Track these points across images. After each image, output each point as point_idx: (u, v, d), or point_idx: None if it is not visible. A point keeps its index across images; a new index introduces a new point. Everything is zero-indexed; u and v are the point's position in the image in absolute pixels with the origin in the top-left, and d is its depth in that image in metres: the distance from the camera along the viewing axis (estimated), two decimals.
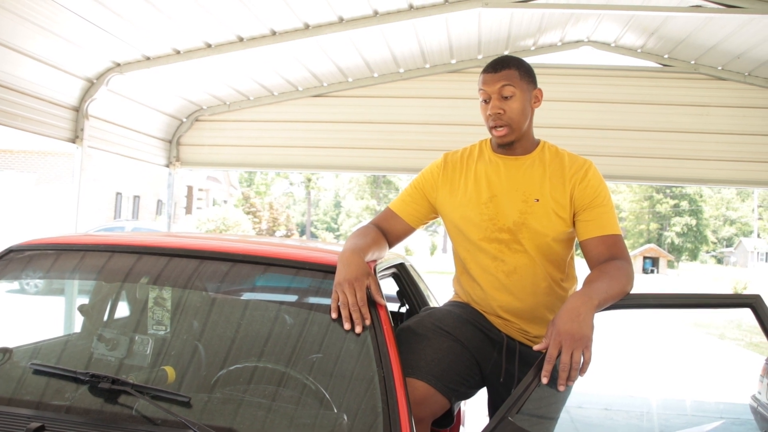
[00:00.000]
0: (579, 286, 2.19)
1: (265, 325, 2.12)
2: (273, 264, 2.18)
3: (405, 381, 1.94)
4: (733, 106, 6.57)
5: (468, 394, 2.26)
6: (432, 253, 53.69)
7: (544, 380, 1.76)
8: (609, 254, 2.14)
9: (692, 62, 6.58)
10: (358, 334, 1.91)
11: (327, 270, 2.08)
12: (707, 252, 67.81)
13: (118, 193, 26.42)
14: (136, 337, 2.10)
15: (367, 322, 1.91)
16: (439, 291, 3.66)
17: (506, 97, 2.23)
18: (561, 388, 1.76)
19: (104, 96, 5.49)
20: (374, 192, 59.34)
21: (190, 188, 34.89)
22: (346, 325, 1.89)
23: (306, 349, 2.02)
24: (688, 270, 55.24)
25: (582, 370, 1.78)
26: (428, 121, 6.75)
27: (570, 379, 1.76)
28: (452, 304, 2.43)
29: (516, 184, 2.27)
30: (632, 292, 2.04)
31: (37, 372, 1.92)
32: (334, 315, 1.92)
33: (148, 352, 2.05)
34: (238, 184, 46.43)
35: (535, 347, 1.85)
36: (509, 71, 2.25)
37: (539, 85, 2.35)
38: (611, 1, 5.70)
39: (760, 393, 5.23)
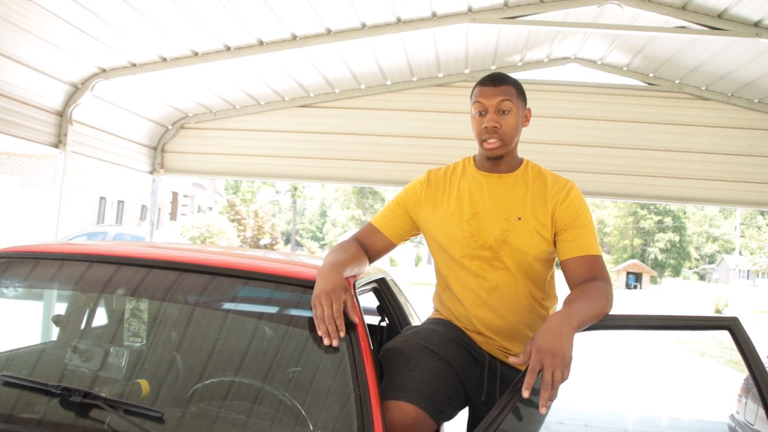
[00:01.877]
0: (559, 305, 2.19)
1: (242, 340, 2.10)
2: (252, 278, 2.16)
3: (389, 401, 1.94)
4: (716, 126, 6.63)
5: (453, 414, 2.25)
6: (417, 264, 53.74)
7: (525, 393, 1.75)
8: (589, 275, 2.14)
9: (677, 81, 6.64)
10: (335, 348, 1.89)
11: (306, 285, 2.07)
12: (690, 268, 68.30)
13: (102, 198, 26.25)
14: (111, 349, 2.07)
15: (342, 334, 1.90)
16: (424, 302, 3.66)
17: (503, 112, 2.24)
18: (543, 410, 1.75)
19: (89, 101, 5.45)
20: (360, 202, 59.35)
21: (175, 194, 34.73)
22: (326, 340, 1.88)
23: (282, 365, 2.01)
24: (671, 286, 55.56)
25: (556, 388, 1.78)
26: (414, 134, 6.75)
27: (551, 398, 1.75)
28: (435, 322, 2.41)
29: (499, 202, 2.28)
30: (612, 312, 2.04)
31: (8, 384, 1.89)
32: (319, 332, 1.90)
33: (123, 364, 2.03)
34: (223, 191, 46.28)
35: (511, 359, 1.85)
36: (508, 87, 2.27)
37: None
38: (597, 19, 5.75)
39: (738, 412, 5.26)
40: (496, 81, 2.27)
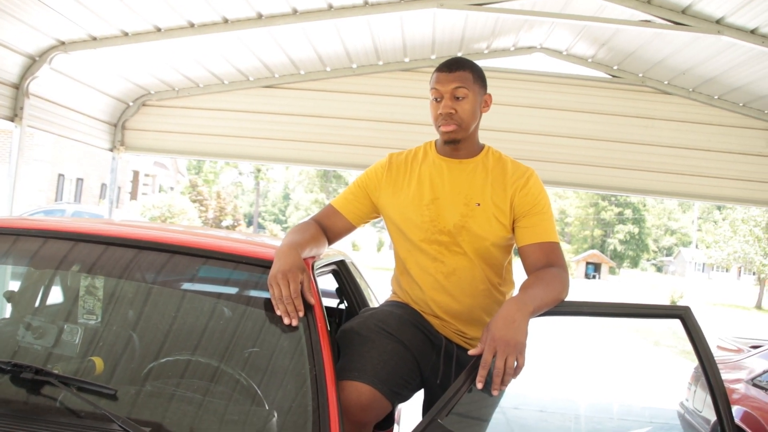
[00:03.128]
0: (516, 290, 2.22)
1: (199, 319, 2.09)
2: (209, 257, 2.14)
3: (345, 381, 1.94)
4: (677, 120, 6.75)
5: (409, 396, 2.27)
6: (379, 249, 53.86)
7: (479, 385, 1.77)
8: (546, 261, 2.16)
9: (640, 75, 6.73)
10: (293, 328, 1.89)
11: (264, 265, 2.06)
12: (648, 260, 69.66)
13: (60, 175, 25.71)
14: (65, 326, 2.04)
15: (300, 314, 1.89)
16: (386, 287, 3.66)
17: (458, 98, 2.24)
18: (495, 392, 1.78)
19: (47, 74, 5.32)
20: (324, 186, 59.14)
21: (136, 173, 34.21)
22: (285, 320, 1.88)
23: (239, 345, 2.00)
24: (629, 277, 56.61)
25: (515, 374, 1.80)
26: (379, 118, 6.75)
27: (503, 383, 1.78)
28: (392, 305, 2.42)
29: (458, 188, 2.29)
30: (567, 299, 2.07)
31: None
32: (277, 312, 1.90)
33: (77, 341, 2.00)
34: (186, 171, 45.70)
35: (470, 352, 1.86)
36: (464, 73, 2.26)
37: (490, 89, 2.37)
38: (564, 9, 5.79)
39: (687, 400, 5.39)
40: (452, 67, 2.27)
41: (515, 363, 1.79)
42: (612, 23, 5.52)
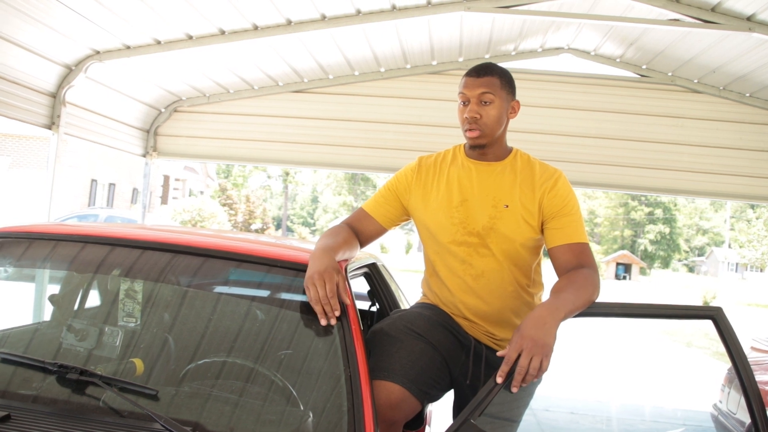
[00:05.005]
0: (545, 291, 2.23)
1: (235, 321, 2.14)
2: (245, 260, 2.19)
3: (375, 381, 1.97)
4: (707, 119, 6.68)
5: (438, 396, 2.29)
6: (407, 252, 53.81)
7: (499, 380, 1.80)
8: (576, 262, 2.18)
9: (669, 74, 6.67)
10: (328, 329, 1.93)
11: (298, 268, 2.10)
12: (679, 260, 68.70)
13: (93, 180, 26.11)
14: (106, 329, 2.10)
15: (337, 313, 1.93)
16: (414, 289, 3.69)
17: (485, 103, 2.27)
18: (514, 389, 1.80)
19: (82, 83, 5.44)
20: (352, 188, 59.30)
21: (166, 178, 34.61)
22: (322, 321, 1.91)
23: (274, 346, 2.04)
24: (660, 277, 55.92)
25: (537, 376, 1.81)
26: (407, 121, 6.77)
27: (524, 382, 1.79)
28: (422, 306, 2.46)
29: (487, 190, 2.31)
30: (598, 300, 2.08)
31: (4, 360, 1.92)
32: (317, 312, 1.93)
33: (117, 343, 2.05)
34: (215, 176, 46.16)
35: (499, 353, 1.88)
36: (491, 78, 2.29)
37: (518, 91, 2.40)
38: (591, 10, 5.77)
39: (721, 402, 5.34)
40: (480, 72, 2.31)
41: (540, 365, 1.80)
42: (640, 23, 5.49)
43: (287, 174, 53.54)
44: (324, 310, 1.92)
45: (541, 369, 1.81)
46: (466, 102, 2.31)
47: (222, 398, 1.88)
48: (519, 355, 1.81)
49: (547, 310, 1.90)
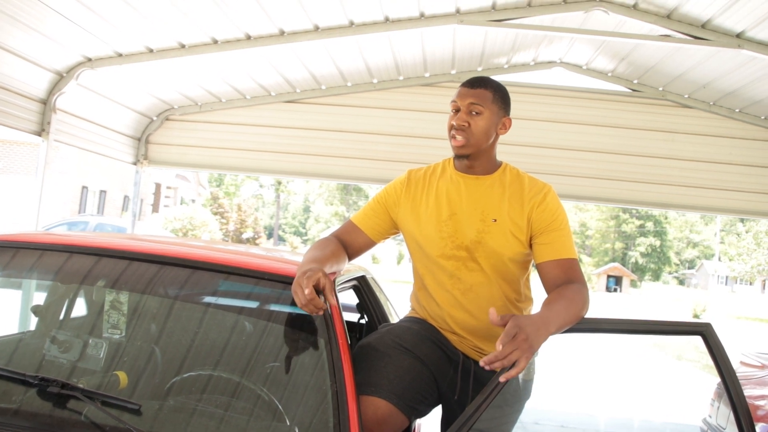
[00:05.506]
0: (535, 306, 2.22)
1: (221, 335, 2.12)
2: (232, 273, 2.17)
3: (362, 396, 1.95)
4: (698, 133, 6.71)
5: (426, 411, 2.27)
6: (399, 262, 53.74)
7: (482, 364, 1.73)
8: (565, 278, 2.16)
9: (660, 89, 6.71)
10: (313, 344, 1.92)
11: (286, 281, 2.08)
12: (670, 273, 68.87)
13: (84, 187, 25.99)
14: (90, 340, 2.07)
15: (323, 306, 1.88)
16: (405, 300, 3.67)
17: (474, 113, 2.27)
18: (483, 364, 1.73)
19: (73, 90, 5.42)
20: (344, 198, 59.27)
21: (158, 186, 34.50)
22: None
23: (261, 360, 2.02)
24: (651, 290, 55.99)
25: (508, 375, 1.73)
26: (400, 132, 6.78)
27: (491, 366, 1.72)
28: (410, 320, 2.44)
29: (475, 204, 2.30)
30: (588, 315, 2.07)
31: None
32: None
33: (101, 355, 2.03)
34: (207, 184, 46.02)
35: (482, 361, 1.76)
36: (484, 91, 2.29)
37: (511, 105, 2.39)
38: (584, 25, 5.80)
39: (710, 416, 5.33)
40: (474, 84, 2.31)
41: (516, 361, 1.73)
42: (632, 38, 5.52)
43: (279, 183, 53.46)
44: (312, 310, 1.87)
45: (516, 368, 1.73)
46: (456, 111, 2.31)
47: (207, 413, 1.86)
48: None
49: (541, 321, 1.87)
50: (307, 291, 1.86)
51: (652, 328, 2.15)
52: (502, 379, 1.74)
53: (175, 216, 28.72)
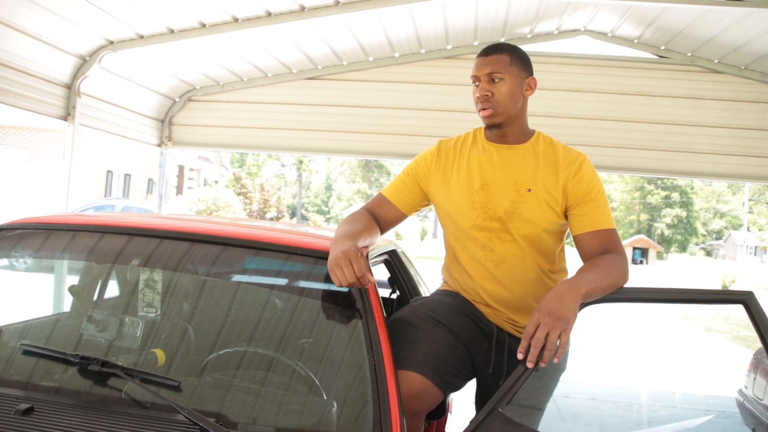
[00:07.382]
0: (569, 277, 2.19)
1: (256, 310, 2.11)
2: (265, 249, 2.17)
3: (396, 370, 1.94)
4: (727, 99, 6.57)
5: (460, 385, 2.26)
6: (422, 239, 53.77)
7: (519, 356, 1.76)
8: (602, 248, 2.13)
9: (688, 54, 6.56)
10: (348, 318, 1.92)
11: (319, 256, 2.07)
12: (697, 244, 68.13)
13: (109, 171, 26.25)
14: (126, 319, 2.08)
15: (374, 280, 1.93)
16: (429, 276, 3.66)
17: (495, 80, 2.22)
18: (529, 364, 1.74)
19: (97, 74, 5.43)
20: (366, 176, 59.24)
21: (181, 168, 34.74)
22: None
23: (296, 335, 2.02)
24: (677, 262, 55.47)
25: (557, 354, 1.76)
26: (422, 106, 6.72)
27: (542, 360, 1.74)
28: (443, 293, 2.42)
29: (508, 173, 2.26)
30: (626, 286, 2.04)
31: (26, 353, 1.90)
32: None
33: (138, 334, 2.04)
34: (229, 165, 46.25)
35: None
36: (500, 56, 2.24)
37: (535, 75, 2.34)
38: None
39: (746, 387, 5.27)
40: (489, 51, 2.27)
41: (558, 339, 1.75)
42: (659, 2, 5.39)
43: (301, 162, 53.54)
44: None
45: (561, 345, 1.75)
46: (477, 83, 2.27)
47: (244, 388, 1.86)
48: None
49: (567, 286, 1.85)
50: (355, 267, 1.86)
51: (694, 296, 2.11)
52: (555, 360, 1.75)
53: (199, 197, 28.92)
